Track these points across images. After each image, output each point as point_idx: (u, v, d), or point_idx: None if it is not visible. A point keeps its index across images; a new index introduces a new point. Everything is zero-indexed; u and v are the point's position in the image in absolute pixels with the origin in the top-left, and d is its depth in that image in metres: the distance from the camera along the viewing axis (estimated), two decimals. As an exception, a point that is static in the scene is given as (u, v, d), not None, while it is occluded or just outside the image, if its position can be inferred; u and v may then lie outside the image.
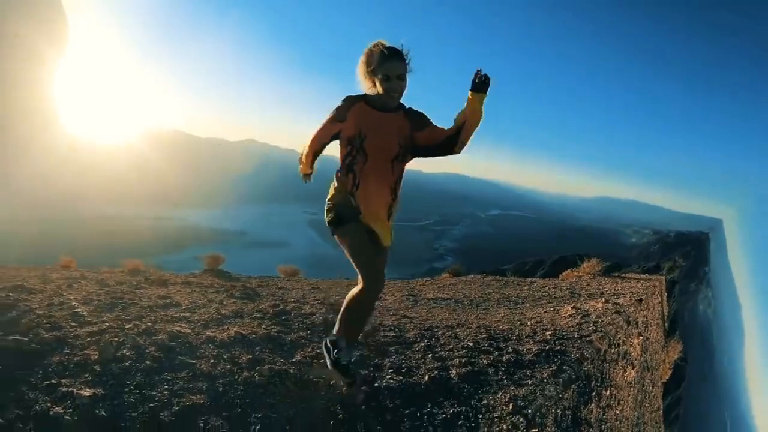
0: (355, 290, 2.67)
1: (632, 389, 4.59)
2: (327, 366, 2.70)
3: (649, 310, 5.86)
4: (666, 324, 8.54)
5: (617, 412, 3.91)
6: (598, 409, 3.37)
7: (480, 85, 2.42)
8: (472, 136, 2.55)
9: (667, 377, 7.85)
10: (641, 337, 5.10)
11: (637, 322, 4.94)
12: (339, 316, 2.76)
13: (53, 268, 7.20)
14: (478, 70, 2.42)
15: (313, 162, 2.86)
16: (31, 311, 3.87)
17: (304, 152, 2.81)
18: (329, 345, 2.75)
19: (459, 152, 2.60)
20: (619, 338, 4.19)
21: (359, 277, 2.56)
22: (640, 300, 5.31)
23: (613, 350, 3.93)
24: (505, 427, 2.39)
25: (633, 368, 4.60)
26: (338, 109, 2.53)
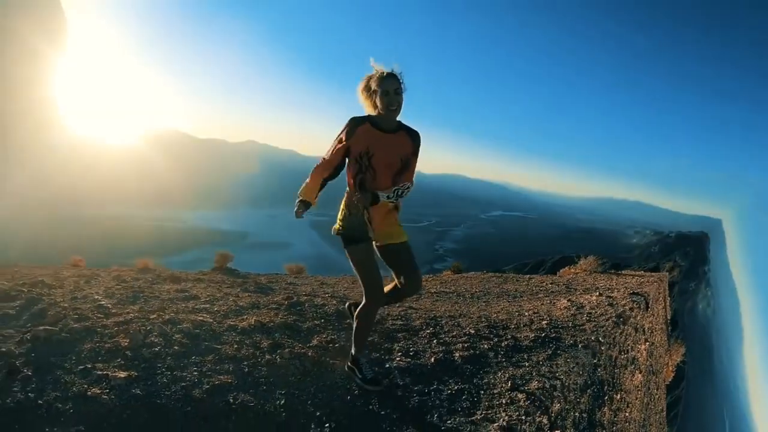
0: (391, 285, 2.98)
1: (639, 392, 4.82)
2: (358, 383, 2.88)
3: (654, 316, 6.07)
4: (669, 328, 8.72)
5: (626, 414, 4.14)
6: (611, 412, 3.61)
7: (375, 202, 2.73)
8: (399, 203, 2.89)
9: (669, 379, 8.03)
10: (647, 343, 5.34)
11: (644, 329, 5.20)
12: (353, 336, 2.98)
13: (63, 267, 7.44)
14: (359, 198, 2.70)
15: (319, 190, 2.87)
16: (57, 304, 4.10)
17: (311, 180, 2.82)
18: (352, 366, 2.96)
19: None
20: (628, 345, 4.44)
21: (363, 292, 2.83)
22: (647, 306, 5.51)
23: (622, 356, 4.19)
24: (504, 401, 2.65)
25: (640, 373, 4.84)
26: (346, 130, 2.73)
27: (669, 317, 8.78)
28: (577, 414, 2.92)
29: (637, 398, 4.66)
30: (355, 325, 2.92)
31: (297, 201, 2.80)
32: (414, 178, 2.86)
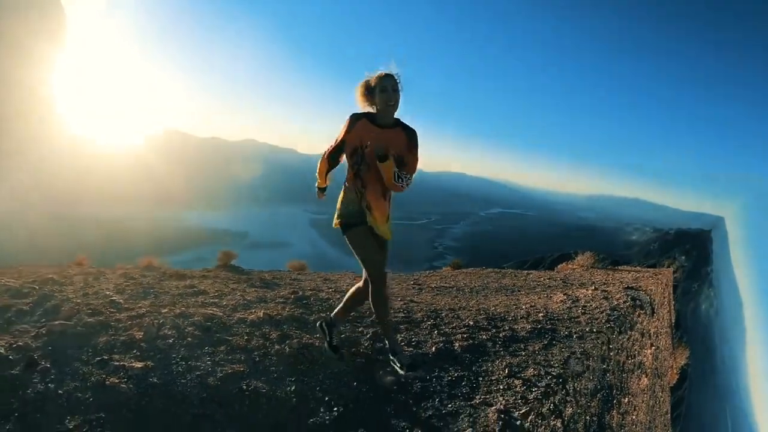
0: (358, 285, 3.16)
1: (645, 395, 4.98)
2: (399, 373, 2.94)
3: (659, 320, 6.22)
4: (673, 331, 8.82)
5: (633, 417, 4.29)
6: (619, 416, 3.78)
7: (380, 157, 2.83)
8: (398, 187, 2.91)
9: (674, 382, 8.18)
10: (653, 347, 5.51)
11: (650, 334, 5.36)
12: (343, 303, 3.25)
13: (68, 266, 7.54)
14: (370, 145, 2.86)
15: (326, 175, 3.24)
16: (69, 300, 4.23)
17: (319, 167, 3.22)
18: (392, 359, 3.01)
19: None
20: (635, 350, 4.61)
21: (364, 272, 3.01)
22: (653, 312, 5.65)
23: (630, 361, 4.36)
24: (501, 387, 2.82)
25: (646, 377, 5.00)
26: (347, 123, 2.96)
27: (673, 320, 8.89)
28: (588, 417, 3.08)
29: (643, 401, 4.80)
30: (376, 315, 3.04)
31: (316, 190, 3.25)
32: (414, 175, 2.97)
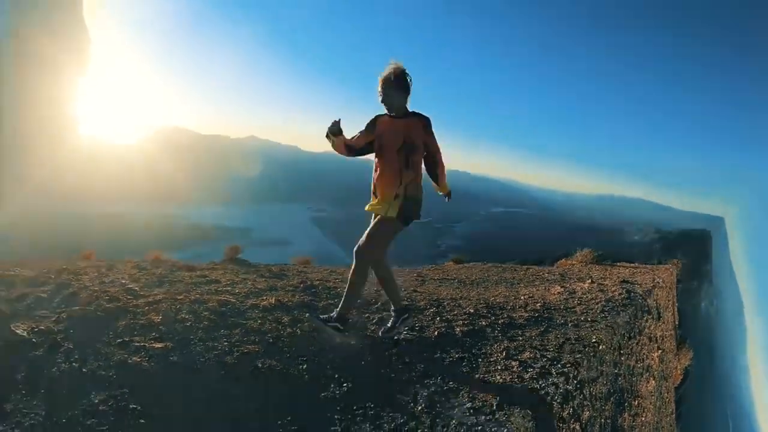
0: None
1: (653, 397, 5.16)
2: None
3: (665, 323, 6.41)
4: (677, 333, 8.96)
5: (643, 418, 4.47)
6: (630, 417, 3.97)
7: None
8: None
9: (678, 382, 8.36)
10: (659, 351, 5.70)
11: (656, 338, 5.56)
12: (385, 291, 3.56)
13: (76, 259, 7.71)
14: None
15: (345, 141, 3.49)
16: (87, 288, 4.42)
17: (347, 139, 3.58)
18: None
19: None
20: (644, 354, 4.81)
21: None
22: (659, 316, 5.84)
23: (639, 365, 4.56)
24: (499, 368, 3.01)
25: (654, 379, 5.18)
26: (369, 122, 3.43)
27: (677, 322, 9.01)
28: (602, 420, 3.28)
29: (651, 403, 4.97)
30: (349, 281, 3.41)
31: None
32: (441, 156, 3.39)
